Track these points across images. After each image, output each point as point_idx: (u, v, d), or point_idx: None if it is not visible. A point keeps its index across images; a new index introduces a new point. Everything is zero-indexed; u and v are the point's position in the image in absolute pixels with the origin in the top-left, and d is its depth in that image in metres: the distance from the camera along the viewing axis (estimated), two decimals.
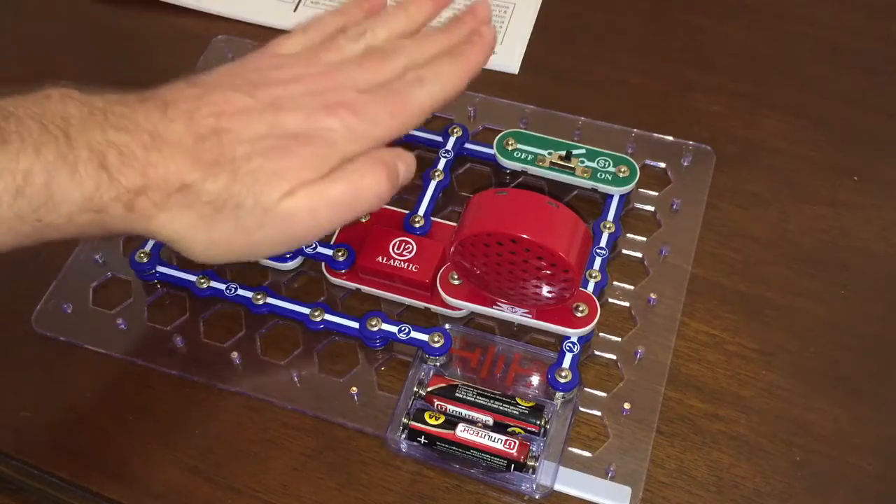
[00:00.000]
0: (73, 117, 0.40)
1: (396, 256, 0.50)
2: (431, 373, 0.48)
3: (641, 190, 0.54)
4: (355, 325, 0.49)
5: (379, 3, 0.52)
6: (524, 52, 0.62)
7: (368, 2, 0.51)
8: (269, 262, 0.52)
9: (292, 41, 0.49)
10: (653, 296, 0.50)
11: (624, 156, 0.54)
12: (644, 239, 0.52)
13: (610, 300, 0.50)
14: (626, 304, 0.50)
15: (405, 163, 0.47)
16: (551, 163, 0.54)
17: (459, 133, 0.56)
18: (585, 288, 0.49)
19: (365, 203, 0.45)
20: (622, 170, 0.53)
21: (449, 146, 0.56)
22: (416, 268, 0.50)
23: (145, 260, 0.52)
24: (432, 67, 0.47)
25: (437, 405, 0.46)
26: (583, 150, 0.54)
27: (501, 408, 0.46)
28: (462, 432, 0.45)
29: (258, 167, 0.42)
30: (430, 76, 0.47)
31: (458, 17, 0.51)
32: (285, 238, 0.44)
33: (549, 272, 0.44)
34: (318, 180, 0.43)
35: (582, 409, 0.47)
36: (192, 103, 0.43)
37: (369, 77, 0.47)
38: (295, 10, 0.65)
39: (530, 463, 0.44)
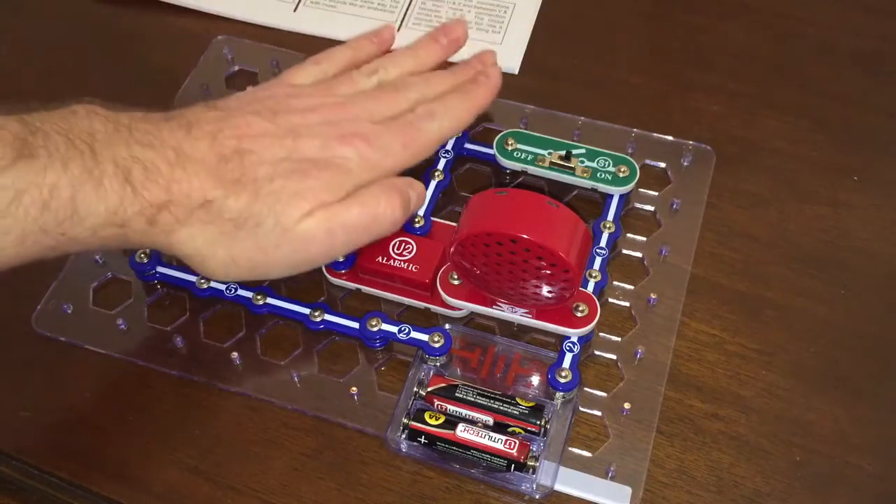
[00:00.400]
0: (99, 132, 0.41)
1: (396, 256, 0.50)
2: (431, 373, 0.48)
3: (641, 190, 0.54)
4: (355, 325, 0.49)
5: (388, 37, 0.55)
6: (524, 52, 0.62)
7: (379, 36, 0.54)
8: None
9: (306, 72, 0.51)
10: (653, 296, 0.50)
11: (624, 155, 0.54)
12: (644, 239, 0.53)
13: (610, 300, 0.50)
14: (626, 303, 0.50)
15: (416, 191, 0.49)
16: (551, 163, 0.54)
17: (459, 133, 0.56)
18: (585, 288, 0.49)
19: (380, 227, 0.47)
20: (622, 169, 0.53)
21: (449, 146, 0.56)
22: (416, 268, 0.50)
23: (145, 260, 0.52)
24: (443, 102, 0.50)
25: (438, 405, 0.46)
26: (583, 150, 0.54)
27: (502, 408, 0.46)
28: (462, 432, 0.45)
29: (280, 188, 0.44)
30: (440, 111, 0.50)
31: (466, 62, 0.54)
32: (301, 258, 0.46)
33: (549, 272, 0.44)
34: (335, 203, 0.45)
35: (582, 409, 0.47)
36: (214, 125, 0.45)
37: (382, 109, 0.49)
38: (295, 10, 0.65)
39: (530, 463, 0.44)
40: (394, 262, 0.50)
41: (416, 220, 0.52)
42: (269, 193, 0.44)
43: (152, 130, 0.43)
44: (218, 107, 0.47)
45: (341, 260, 0.50)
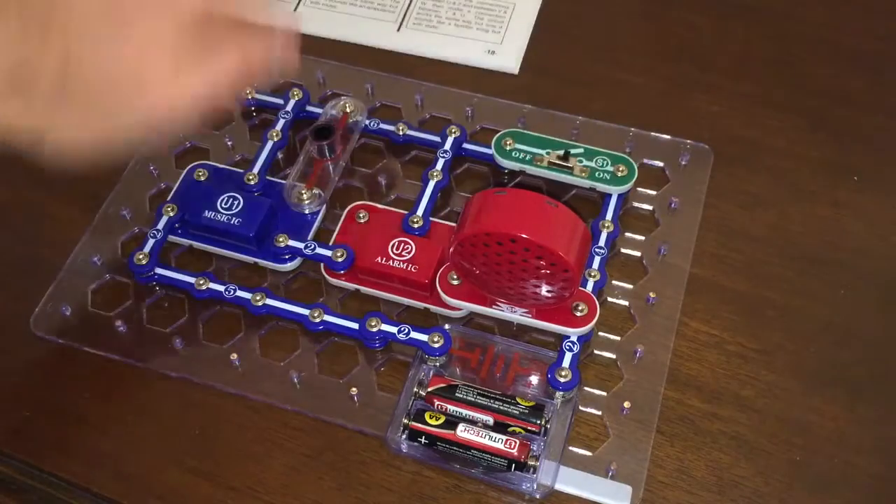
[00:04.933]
0: None
1: (395, 257, 0.50)
2: (431, 373, 0.48)
3: (640, 189, 0.54)
4: (355, 325, 0.49)
5: None
6: (524, 52, 0.62)
7: None
8: (267, 263, 0.52)
9: None
10: (652, 295, 0.50)
11: (622, 155, 0.54)
12: (643, 238, 0.52)
13: (609, 299, 0.50)
14: (626, 303, 0.50)
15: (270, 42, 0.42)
16: (549, 162, 0.54)
17: (457, 133, 0.56)
18: (585, 287, 0.49)
19: (216, 86, 0.40)
20: (620, 169, 0.53)
21: (447, 146, 0.56)
22: (415, 268, 0.50)
23: (144, 262, 0.52)
24: None
25: (438, 405, 0.46)
26: (581, 150, 0.54)
27: (502, 407, 0.46)
28: (462, 432, 0.45)
29: (97, 38, 0.38)
30: None
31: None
32: (139, 115, 0.40)
33: (548, 272, 0.44)
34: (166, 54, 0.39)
35: (582, 408, 0.47)
36: None
37: None
38: (295, 10, 0.65)
39: (531, 462, 0.44)
40: (393, 262, 0.50)
41: (415, 220, 0.52)
42: (87, 47, 0.37)
43: None
44: None
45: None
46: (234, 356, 0.49)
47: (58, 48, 0.37)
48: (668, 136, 0.56)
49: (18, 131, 0.39)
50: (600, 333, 0.49)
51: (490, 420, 0.46)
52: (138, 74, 0.39)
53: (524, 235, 0.43)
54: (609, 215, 0.53)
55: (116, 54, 0.38)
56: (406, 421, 0.46)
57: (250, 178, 0.54)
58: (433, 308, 0.50)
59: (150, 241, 0.53)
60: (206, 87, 0.40)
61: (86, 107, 0.39)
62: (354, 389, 0.48)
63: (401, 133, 0.57)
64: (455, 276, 0.49)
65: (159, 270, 0.52)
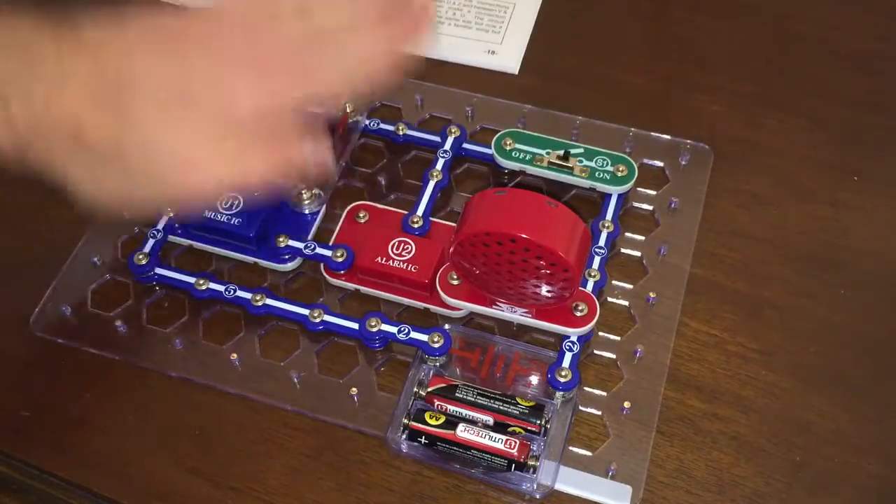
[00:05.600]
0: None
1: (395, 257, 0.50)
2: (431, 373, 0.48)
3: (640, 189, 0.54)
4: (355, 325, 0.49)
5: None
6: (524, 52, 0.62)
7: None
8: (268, 263, 0.52)
9: None
10: (652, 295, 0.50)
11: (622, 155, 0.54)
12: (643, 238, 0.52)
13: (609, 299, 0.50)
14: (626, 303, 0.50)
15: (311, 149, 0.44)
16: (549, 162, 0.54)
17: (457, 133, 0.56)
18: (585, 287, 0.49)
19: (251, 181, 0.43)
20: (620, 169, 0.53)
21: (447, 146, 0.56)
22: (415, 268, 0.50)
23: (144, 262, 0.52)
24: (355, 34, 0.45)
25: (438, 405, 0.46)
26: (581, 150, 0.54)
27: (502, 407, 0.46)
28: (462, 432, 0.45)
29: (153, 120, 0.41)
30: (350, 43, 0.44)
31: None
32: (172, 194, 0.43)
33: (548, 271, 0.44)
34: (209, 146, 0.42)
35: (582, 408, 0.47)
36: (107, 45, 0.42)
37: (294, 40, 0.44)
38: None
39: (531, 462, 0.44)
40: (393, 262, 0.50)
41: (415, 220, 0.52)
42: (142, 125, 0.41)
43: (38, 47, 0.41)
44: (125, 24, 0.43)
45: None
46: (234, 356, 0.49)
47: (119, 119, 0.40)
48: (668, 137, 0.56)
49: (68, 180, 0.42)
50: (600, 333, 0.49)
51: (490, 420, 0.46)
52: (183, 159, 0.42)
53: (524, 235, 0.43)
54: (609, 215, 0.53)
55: (168, 136, 0.41)
56: (406, 421, 0.46)
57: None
58: (433, 308, 0.50)
59: (151, 241, 0.53)
60: (239, 180, 0.43)
61: (131, 175, 0.42)
62: (354, 389, 0.48)
63: (401, 133, 0.57)
64: (455, 276, 0.49)
65: (159, 270, 0.52)
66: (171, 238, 0.53)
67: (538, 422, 0.45)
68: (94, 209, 0.43)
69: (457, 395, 0.46)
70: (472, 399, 0.46)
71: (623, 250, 0.52)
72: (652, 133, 0.56)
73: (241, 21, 0.45)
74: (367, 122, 0.57)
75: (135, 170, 0.42)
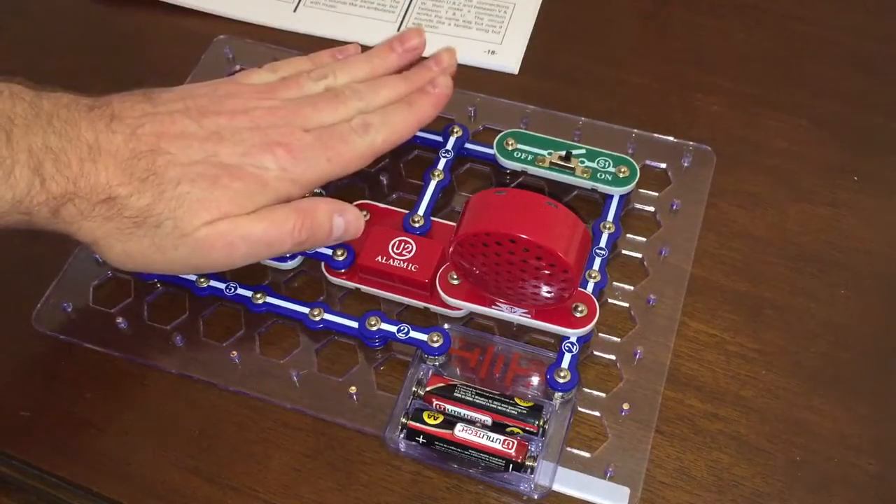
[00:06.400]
0: (19, 117, 0.41)
1: (396, 256, 0.50)
2: (430, 372, 0.48)
3: (641, 190, 0.54)
4: (354, 324, 0.49)
5: (353, 53, 0.54)
6: (524, 52, 0.62)
7: (343, 52, 0.54)
8: (268, 261, 0.52)
9: (259, 74, 0.51)
10: (652, 296, 0.50)
11: (624, 156, 0.54)
12: (644, 239, 0.52)
13: (609, 300, 0.50)
14: (626, 304, 0.50)
15: (346, 217, 0.49)
16: (551, 163, 0.54)
17: (459, 133, 0.56)
18: (585, 288, 0.49)
19: (282, 247, 0.47)
20: (622, 170, 0.53)
21: (449, 146, 0.56)
22: (415, 267, 0.50)
23: None
24: (382, 115, 0.49)
25: (436, 405, 0.46)
26: (583, 151, 0.54)
27: (500, 408, 0.46)
28: (460, 432, 0.45)
29: (184, 193, 0.44)
30: (377, 123, 0.49)
31: (423, 63, 0.53)
32: (200, 263, 0.46)
33: (548, 272, 0.44)
34: (241, 216, 0.45)
35: (581, 409, 0.47)
36: (137, 120, 0.45)
37: (319, 117, 0.48)
38: (295, 10, 0.65)
39: (529, 463, 0.44)
40: (393, 261, 0.50)
41: (416, 219, 0.52)
42: (173, 198, 0.44)
43: (72, 120, 0.43)
44: (151, 98, 0.46)
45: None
46: (234, 354, 0.49)
47: (152, 187, 0.43)
48: (670, 138, 0.56)
49: (99, 245, 0.45)
50: (600, 335, 0.49)
51: (488, 420, 0.46)
52: (215, 223, 0.44)
53: (524, 236, 0.43)
54: (610, 216, 0.53)
55: (201, 204, 0.44)
56: (404, 420, 0.46)
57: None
58: (433, 308, 0.50)
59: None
60: (270, 245, 0.47)
61: (160, 242, 0.44)
62: (353, 388, 0.48)
63: None
64: (455, 276, 0.49)
65: None
66: None
67: (536, 422, 0.45)
68: (121, 268, 0.47)
69: (455, 394, 0.46)
70: (471, 399, 0.46)
71: (624, 251, 0.52)
72: (654, 134, 0.56)
73: (267, 91, 0.49)
74: None
75: (165, 237, 0.44)
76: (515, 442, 0.44)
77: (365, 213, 0.53)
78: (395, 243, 0.50)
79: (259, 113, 0.47)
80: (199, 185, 0.44)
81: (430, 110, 0.51)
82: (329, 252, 0.51)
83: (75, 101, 0.44)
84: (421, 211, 0.53)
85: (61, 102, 0.43)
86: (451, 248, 0.46)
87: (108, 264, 0.52)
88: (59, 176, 0.42)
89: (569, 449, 0.46)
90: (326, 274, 0.51)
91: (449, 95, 0.52)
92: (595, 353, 0.49)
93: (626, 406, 0.47)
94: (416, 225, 0.52)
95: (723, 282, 0.51)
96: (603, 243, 0.51)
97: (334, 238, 0.49)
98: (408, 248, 0.50)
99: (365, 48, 0.55)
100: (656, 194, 0.54)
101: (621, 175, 0.53)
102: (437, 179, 0.54)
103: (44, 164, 0.41)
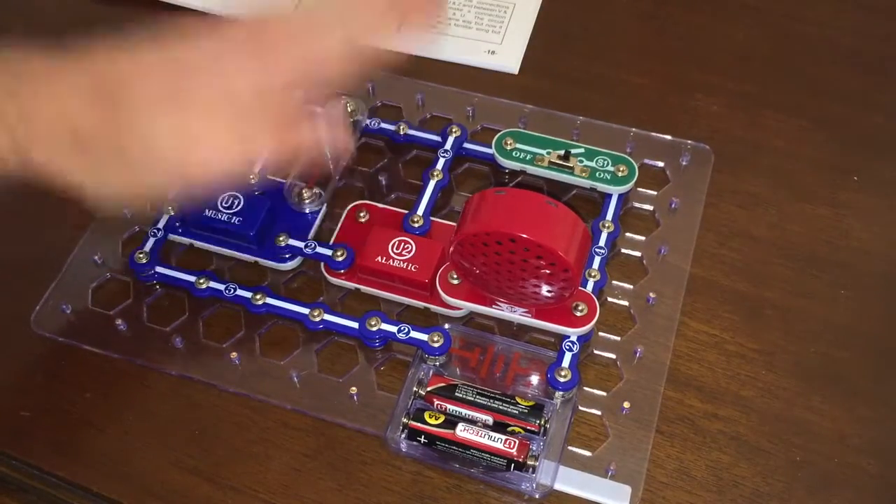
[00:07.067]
0: None
1: (396, 256, 0.50)
2: (431, 372, 0.48)
3: (640, 189, 0.54)
4: (355, 324, 0.49)
5: None
6: (524, 52, 0.62)
7: None
8: (268, 262, 0.52)
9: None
10: (652, 295, 0.50)
11: (623, 155, 0.54)
12: (643, 238, 0.52)
13: (609, 299, 0.50)
14: (626, 303, 0.50)
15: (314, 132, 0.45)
16: (550, 162, 0.54)
17: (458, 133, 0.56)
18: (585, 287, 0.49)
19: (254, 155, 0.44)
20: (621, 169, 0.53)
21: (448, 146, 0.56)
22: (415, 267, 0.50)
23: (144, 260, 0.52)
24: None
25: (437, 405, 0.46)
26: (581, 150, 0.54)
27: (501, 407, 0.46)
28: (462, 432, 0.45)
29: (150, 106, 0.42)
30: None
31: None
32: (177, 175, 0.43)
33: (548, 271, 0.44)
34: (213, 135, 0.42)
35: (581, 408, 0.47)
36: (96, 53, 0.43)
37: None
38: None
39: (530, 462, 0.44)
40: (393, 261, 0.50)
41: (416, 219, 0.52)
42: (139, 114, 0.42)
43: (28, 67, 0.42)
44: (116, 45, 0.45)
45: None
46: (234, 355, 0.49)
47: (119, 119, 0.41)
48: (669, 137, 0.56)
49: (74, 184, 0.42)
50: (600, 333, 0.49)
51: (489, 420, 0.46)
52: (183, 137, 0.42)
53: (524, 235, 0.43)
54: (609, 215, 0.53)
55: (166, 119, 0.42)
56: (405, 420, 0.46)
57: (251, 177, 0.54)
58: (433, 307, 0.50)
59: (151, 240, 0.53)
60: (242, 156, 0.43)
61: (133, 166, 0.42)
62: (354, 388, 0.48)
63: (401, 132, 0.57)
64: (455, 276, 0.49)
65: (160, 269, 0.52)
66: (172, 237, 0.53)
67: (538, 422, 0.45)
68: (101, 208, 0.44)
69: (456, 394, 0.46)
70: (472, 398, 0.46)
71: (623, 250, 0.52)
72: (653, 133, 0.56)
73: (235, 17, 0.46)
74: (367, 121, 0.57)
75: (136, 160, 0.42)
76: (517, 441, 0.44)
77: (365, 213, 0.53)
78: (394, 243, 0.50)
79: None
80: (169, 111, 0.42)
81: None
82: (329, 253, 0.51)
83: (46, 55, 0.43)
84: (420, 211, 0.53)
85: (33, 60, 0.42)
86: (451, 248, 0.46)
87: (106, 265, 0.53)
88: (23, 124, 0.41)
89: (570, 448, 0.46)
90: (326, 274, 0.51)
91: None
92: (595, 351, 0.49)
93: (626, 405, 0.47)
94: (416, 225, 0.52)
95: (722, 281, 0.51)
96: (602, 242, 0.51)
97: (301, 149, 0.45)
98: (407, 248, 0.50)
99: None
100: (655, 193, 0.54)
101: (620, 174, 0.53)
102: (435, 179, 0.54)
103: (7, 113, 0.41)
